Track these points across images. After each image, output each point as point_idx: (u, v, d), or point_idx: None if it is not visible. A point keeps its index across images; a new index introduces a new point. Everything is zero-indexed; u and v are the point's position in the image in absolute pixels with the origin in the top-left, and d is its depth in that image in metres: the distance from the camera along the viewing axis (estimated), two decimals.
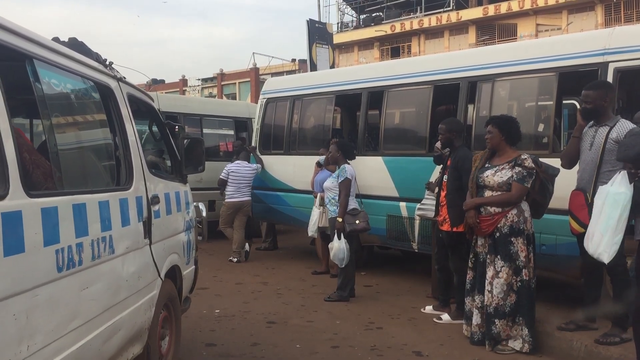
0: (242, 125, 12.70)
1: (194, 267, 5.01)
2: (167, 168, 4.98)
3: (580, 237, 4.86)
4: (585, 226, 4.67)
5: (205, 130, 11.91)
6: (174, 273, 4.36)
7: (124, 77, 3.90)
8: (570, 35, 8.55)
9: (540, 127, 6.45)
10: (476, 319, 5.18)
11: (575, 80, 6.20)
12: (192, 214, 5.04)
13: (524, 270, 4.98)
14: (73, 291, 2.72)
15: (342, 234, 6.73)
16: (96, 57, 3.56)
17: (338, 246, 6.70)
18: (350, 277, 6.88)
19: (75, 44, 3.41)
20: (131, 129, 3.75)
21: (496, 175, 5.05)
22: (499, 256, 5.01)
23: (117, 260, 3.25)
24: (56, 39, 3.20)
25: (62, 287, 2.60)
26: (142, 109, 4.39)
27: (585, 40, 6.24)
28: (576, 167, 4.99)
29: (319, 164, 8.34)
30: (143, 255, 3.67)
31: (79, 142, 3.38)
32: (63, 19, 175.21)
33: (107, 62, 3.66)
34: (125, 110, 3.73)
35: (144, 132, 5.27)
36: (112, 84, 3.62)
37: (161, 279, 3.98)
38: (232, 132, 12.72)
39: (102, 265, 3.04)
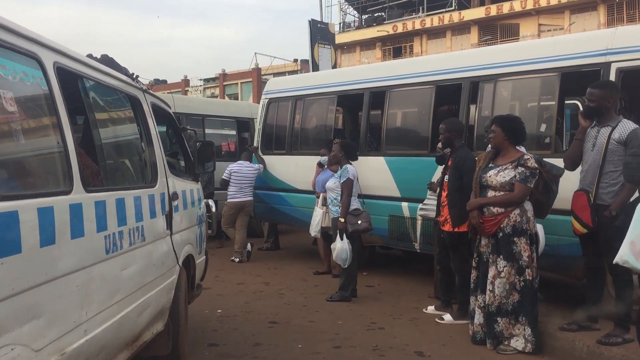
0: (244, 125, 12.69)
1: (204, 257, 5.52)
2: (181, 168, 5.42)
3: (583, 237, 4.87)
4: (587, 227, 4.67)
5: (207, 131, 11.89)
6: (187, 262, 4.84)
7: (148, 89, 4.49)
8: (573, 35, 8.53)
9: (543, 128, 6.44)
10: (478, 318, 5.17)
11: (577, 80, 6.20)
12: (203, 209, 5.56)
13: (527, 270, 4.97)
14: (116, 270, 3.27)
15: (344, 234, 6.73)
16: (125, 71, 4.05)
17: (341, 246, 6.70)
18: (352, 278, 6.88)
19: (106, 60, 3.88)
20: (155, 133, 4.30)
21: (499, 175, 5.04)
22: (501, 256, 5.00)
23: (147, 247, 3.78)
24: (90, 56, 3.64)
25: (109, 266, 3.16)
26: (161, 115, 4.87)
27: (587, 40, 6.23)
28: (579, 168, 4.99)
29: (320, 165, 8.34)
30: (166, 244, 4.20)
31: (117, 145, 4.07)
32: (63, 19, 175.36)
33: (134, 76, 4.18)
34: (150, 117, 4.31)
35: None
36: (139, 95, 4.21)
37: (179, 265, 4.49)
38: (234, 133, 12.73)
39: (137, 251, 3.59)
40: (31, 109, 2.76)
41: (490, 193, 5.08)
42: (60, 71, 2.89)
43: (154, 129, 4.32)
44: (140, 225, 3.64)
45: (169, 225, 4.27)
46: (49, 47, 2.83)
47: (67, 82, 2.97)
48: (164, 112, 4.96)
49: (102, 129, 3.67)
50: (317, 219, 7.86)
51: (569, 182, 5.06)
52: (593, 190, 4.69)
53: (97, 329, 2.96)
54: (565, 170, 5.11)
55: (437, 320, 5.97)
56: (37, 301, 2.42)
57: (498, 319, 5.00)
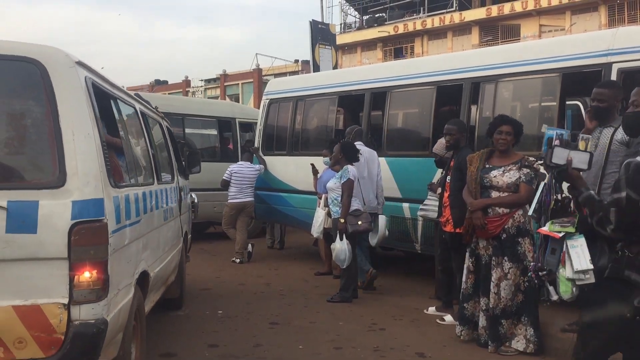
0: (225, 125, 12.35)
1: (190, 235, 7.36)
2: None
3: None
4: None
5: (187, 130, 11.62)
6: (185, 236, 6.63)
7: (164, 116, 6.56)
8: (574, 35, 8.54)
9: (544, 128, 6.41)
10: (482, 321, 5.13)
11: (578, 81, 6.20)
12: (191, 199, 7.41)
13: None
14: (165, 231, 5.21)
15: (344, 235, 6.72)
16: (149, 103, 5.75)
17: (340, 247, 6.69)
18: (352, 278, 6.87)
19: (137, 95, 5.32)
20: (171, 146, 6.34)
21: (505, 175, 5.03)
22: (506, 257, 4.98)
23: (173, 221, 5.70)
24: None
25: (164, 228, 5.14)
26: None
27: (588, 41, 6.22)
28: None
29: (315, 172, 8.39)
30: (178, 221, 6.08)
31: (159, 153, 5.61)
32: (64, 19, 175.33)
33: (156, 108, 6.15)
34: (168, 135, 6.37)
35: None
36: (161, 120, 6.22)
37: (182, 237, 6.36)
38: (215, 132, 12.50)
39: (171, 222, 5.52)
40: (139, 136, 4.81)
41: (494, 194, 5.07)
42: (142, 113, 5.01)
43: (171, 142, 6.39)
44: (171, 206, 5.56)
45: (180, 209, 6.13)
46: (138, 100, 4.99)
47: (144, 119, 5.07)
48: (170, 131, 6.78)
49: (154, 144, 5.38)
50: (320, 220, 7.79)
51: None
52: (595, 190, 4.66)
53: (161, 264, 4.89)
54: None
55: (438, 321, 5.96)
56: (148, 241, 4.30)
57: (502, 321, 4.98)
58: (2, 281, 3.02)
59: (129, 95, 4.71)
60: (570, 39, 7.29)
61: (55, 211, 3.04)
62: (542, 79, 6.44)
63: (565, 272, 3.35)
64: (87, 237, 3.07)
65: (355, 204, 6.93)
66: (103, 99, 3.73)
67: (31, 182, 3.13)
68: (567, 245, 3.37)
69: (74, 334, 3.01)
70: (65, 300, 3.02)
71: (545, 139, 3.93)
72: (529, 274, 4.89)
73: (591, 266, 3.22)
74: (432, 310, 6.26)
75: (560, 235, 3.45)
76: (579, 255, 3.26)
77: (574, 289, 3.31)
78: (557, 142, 3.75)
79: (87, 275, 3.05)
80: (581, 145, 3.87)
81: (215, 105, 14.66)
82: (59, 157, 3.09)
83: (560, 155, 3.41)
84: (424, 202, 6.68)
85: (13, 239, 3.01)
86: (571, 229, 3.41)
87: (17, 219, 3.01)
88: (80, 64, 3.36)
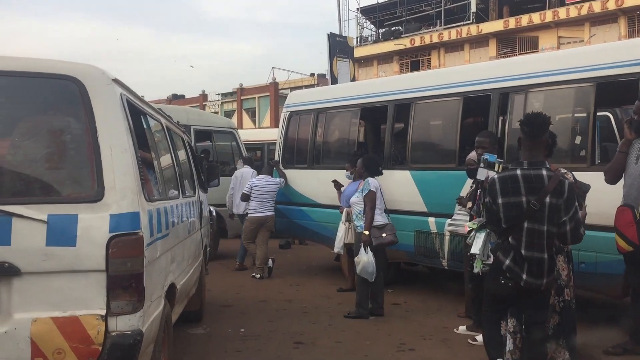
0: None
1: (209, 248, 7.44)
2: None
3: (628, 256, 4.62)
4: (633, 244, 4.42)
5: None
6: (205, 249, 6.70)
7: (185, 131, 6.64)
8: (608, 44, 8.28)
9: (577, 140, 6.20)
10: (509, 345, 4.88)
11: (613, 90, 5.98)
12: (209, 212, 7.50)
13: (565, 289, 4.71)
14: (189, 244, 5.21)
15: (368, 248, 6.53)
16: (172, 118, 5.84)
17: (366, 260, 6.51)
18: (366, 295, 6.69)
19: (159, 110, 5.44)
20: (193, 159, 6.44)
21: None
22: None
23: (195, 234, 5.71)
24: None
25: (188, 241, 5.12)
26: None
27: (623, 49, 6.01)
28: (621, 182, 4.75)
29: (339, 187, 8.18)
30: (199, 234, 6.10)
31: (183, 167, 5.69)
32: (84, 37, 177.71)
33: (177, 122, 6.27)
34: (190, 149, 6.43)
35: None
36: (182, 134, 6.22)
37: (202, 250, 6.41)
38: None
39: (193, 235, 5.53)
40: (166, 150, 4.84)
41: None
42: (167, 128, 5.06)
43: (193, 156, 6.45)
44: (193, 220, 5.56)
45: (200, 222, 6.15)
46: (163, 115, 5.05)
47: (169, 133, 5.12)
48: (190, 144, 6.80)
49: (179, 158, 5.43)
50: (340, 235, 7.63)
51: (610, 197, 4.82)
52: (638, 205, 4.45)
53: (186, 276, 4.91)
54: (608, 184, 4.87)
55: (469, 341, 5.71)
56: (175, 254, 4.30)
57: None
58: (42, 293, 3.07)
59: (156, 110, 4.79)
60: (603, 48, 7.06)
61: (93, 224, 3.11)
62: (574, 89, 6.22)
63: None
64: (124, 250, 3.14)
65: (381, 219, 6.74)
66: (135, 115, 3.81)
67: (70, 196, 3.21)
68: (475, 236, 4.59)
69: (112, 345, 3.06)
70: (103, 312, 3.08)
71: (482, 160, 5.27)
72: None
73: (477, 252, 4.50)
74: (462, 329, 6.01)
75: (469, 229, 4.92)
76: (476, 244, 4.51)
77: (482, 267, 4.54)
78: (482, 165, 5.18)
79: (123, 287, 3.12)
80: (497, 167, 5.02)
81: (168, 112, 13.86)
82: (97, 171, 3.18)
83: (482, 174, 5.16)
84: (453, 217, 6.45)
85: (53, 251, 3.06)
86: (475, 226, 4.68)
87: (57, 232, 3.07)
88: (116, 81, 3.44)
